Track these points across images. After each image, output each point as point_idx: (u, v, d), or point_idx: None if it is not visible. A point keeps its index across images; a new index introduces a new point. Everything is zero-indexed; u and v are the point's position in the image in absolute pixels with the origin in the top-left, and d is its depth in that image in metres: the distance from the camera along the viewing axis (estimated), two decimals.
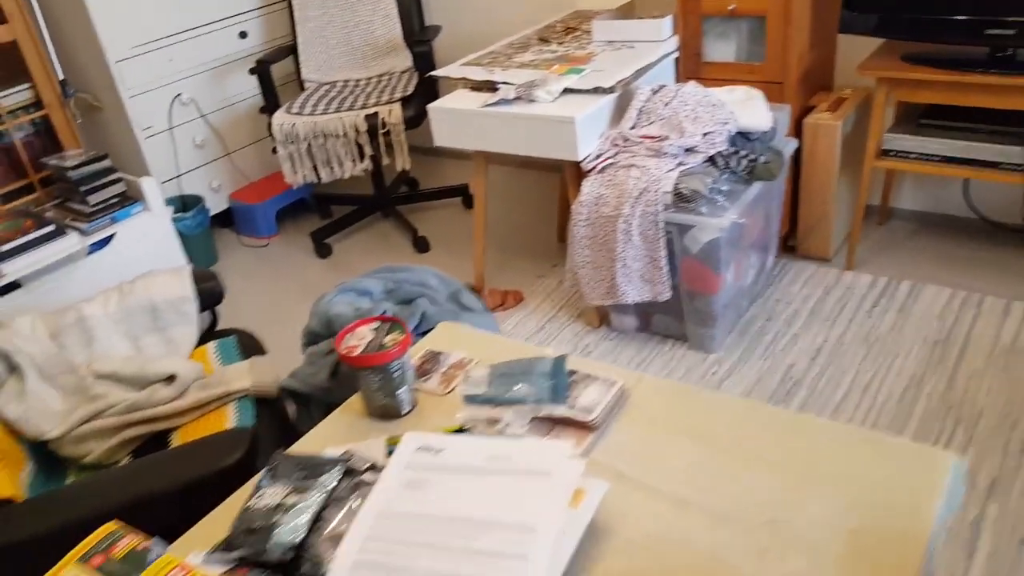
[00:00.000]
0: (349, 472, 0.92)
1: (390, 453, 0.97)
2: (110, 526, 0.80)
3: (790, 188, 2.37)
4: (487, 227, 2.80)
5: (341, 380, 1.48)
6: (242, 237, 3.07)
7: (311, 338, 1.55)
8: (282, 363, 1.66)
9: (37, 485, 1.40)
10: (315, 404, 1.52)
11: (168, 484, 1.16)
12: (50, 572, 0.76)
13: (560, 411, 0.97)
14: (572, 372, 1.03)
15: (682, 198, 1.85)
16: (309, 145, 2.60)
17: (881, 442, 0.89)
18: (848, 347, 2.12)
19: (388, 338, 1.01)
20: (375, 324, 1.05)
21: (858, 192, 2.34)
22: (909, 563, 0.74)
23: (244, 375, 1.51)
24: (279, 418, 1.53)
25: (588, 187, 1.95)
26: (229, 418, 1.46)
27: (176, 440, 1.46)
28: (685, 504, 0.86)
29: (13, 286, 2.24)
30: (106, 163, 2.41)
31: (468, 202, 3.06)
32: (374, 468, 0.93)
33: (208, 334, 1.72)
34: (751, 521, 0.82)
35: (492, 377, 1.03)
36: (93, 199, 2.39)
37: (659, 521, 0.84)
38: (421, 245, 2.74)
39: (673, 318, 2.15)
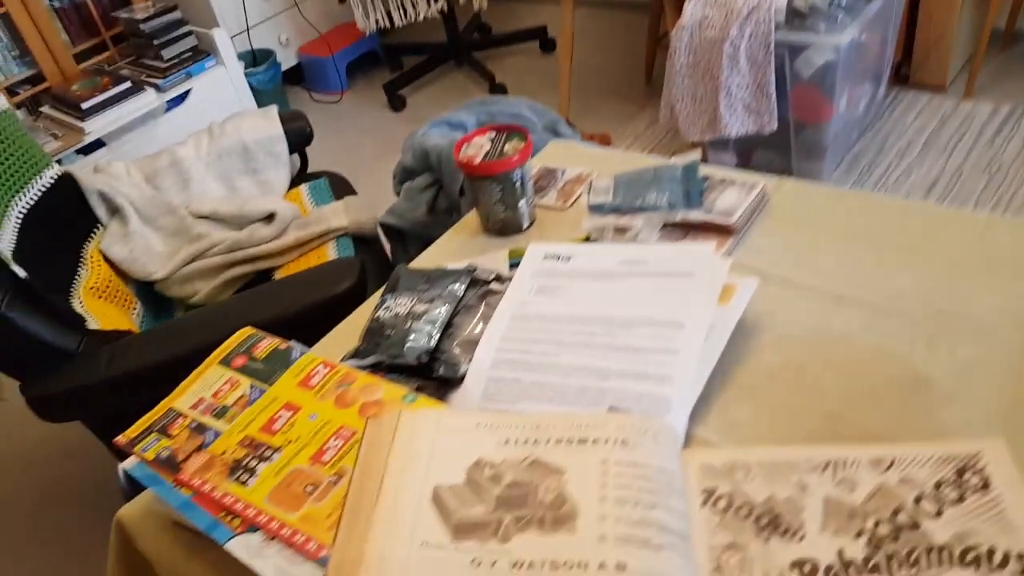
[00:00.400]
0: (475, 282, 0.88)
1: (512, 267, 0.93)
2: (247, 331, 0.79)
3: (907, 8, 2.13)
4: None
5: (438, 215, 1.43)
6: (313, 93, 3.00)
7: (405, 175, 1.50)
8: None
9: (148, 325, 1.43)
10: (412, 240, 1.49)
11: (282, 311, 1.15)
12: (192, 375, 0.75)
13: (696, 215, 0.90)
14: (705, 177, 0.95)
15: (797, 15, 1.67)
16: None
17: None
18: (967, 178, 1.97)
19: (508, 146, 0.94)
20: (491, 134, 0.97)
21: (985, 10, 2.09)
22: None
23: (341, 214, 1.48)
24: (378, 255, 1.51)
25: (691, 8, 1.78)
26: (329, 255, 1.45)
27: (279, 279, 1.46)
28: (840, 300, 0.79)
29: (97, 145, 2.25)
30: (176, 14, 2.33)
31: (546, 45, 2.88)
32: (500, 279, 0.89)
33: (299, 176, 1.69)
34: (916, 314, 0.75)
35: (617, 186, 0.96)
36: (167, 54, 2.34)
37: (814, 316, 0.78)
38: (499, 92, 2.62)
39: (777, 152, 2.01)
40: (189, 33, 2.35)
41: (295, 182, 1.65)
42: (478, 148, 0.95)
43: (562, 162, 1.09)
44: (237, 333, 0.78)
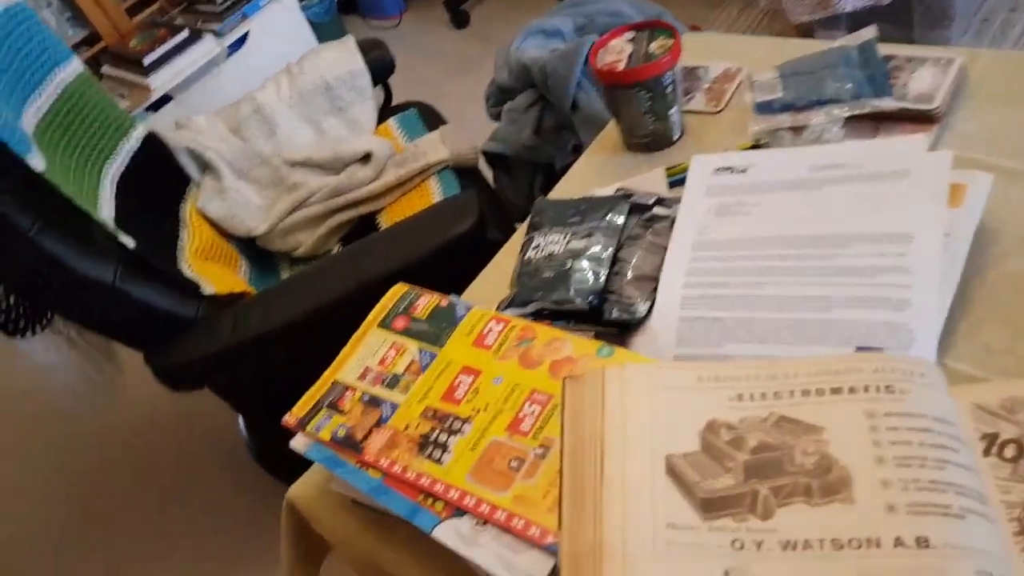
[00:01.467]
0: (634, 208, 0.78)
1: (673, 186, 0.82)
2: (400, 288, 0.71)
3: None
4: None
5: (546, 135, 1.31)
6: (369, 20, 2.85)
7: (501, 95, 1.38)
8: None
9: (254, 282, 1.38)
10: (518, 167, 1.38)
11: (405, 258, 1.07)
12: (351, 341, 0.68)
13: (889, 103, 0.76)
14: (889, 57, 0.81)
15: None
16: None
17: None
18: None
19: (654, 45, 0.82)
20: (630, 34, 0.85)
21: None
22: None
23: (438, 146, 1.38)
24: (484, 186, 1.41)
25: None
26: (433, 192, 1.36)
27: (384, 222, 1.38)
28: None
29: (164, 101, 2.19)
30: None
31: None
32: (663, 202, 0.78)
33: (385, 110, 1.59)
34: None
35: (785, 78, 0.82)
36: None
37: None
38: None
39: (895, 25, 1.79)
40: None
41: (382, 116, 1.55)
42: (618, 52, 0.83)
43: (702, 59, 0.96)
44: (390, 291, 0.71)
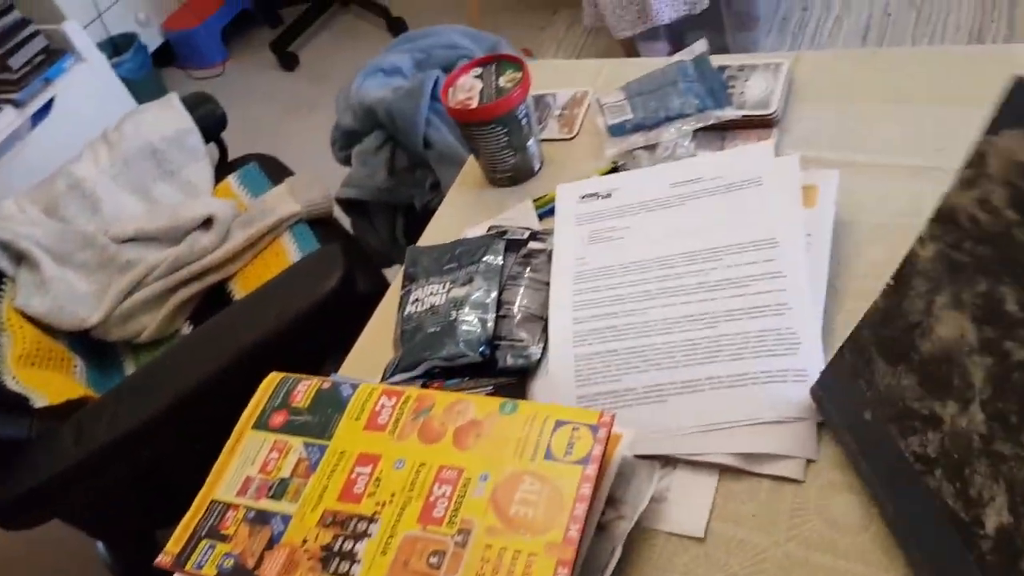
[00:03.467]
0: (510, 245, 0.76)
1: (542, 217, 0.81)
2: (273, 378, 0.64)
3: None
4: None
5: (401, 176, 1.28)
6: (191, 72, 2.69)
7: (348, 138, 1.33)
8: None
9: (94, 383, 1.24)
10: (377, 211, 1.33)
11: (271, 328, 0.99)
12: (224, 450, 0.61)
13: (731, 112, 0.79)
14: (722, 67, 0.84)
15: None
16: None
17: None
18: (897, 17, 1.93)
19: (503, 79, 0.80)
20: (476, 70, 0.83)
21: None
22: None
23: (287, 199, 1.31)
24: (342, 236, 1.35)
25: None
26: (289, 249, 1.28)
27: (238, 290, 1.28)
28: (919, 170, 0.70)
29: None
30: (15, 15, 2.00)
31: None
32: (537, 236, 0.77)
33: (222, 167, 1.49)
34: None
35: (631, 99, 0.83)
36: (15, 62, 2.02)
37: (902, 194, 0.69)
38: (398, 27, 2.40)
39: (709, 31, 1.91)
40: (36, 33, 2.03)
41: (220, 175, 1.45)
42: (468, 90, 0.81)
43: (549, 86, 0.96)
44: (263, 384, 0.64)
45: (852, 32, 1.95)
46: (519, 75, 0.80)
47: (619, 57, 1.99)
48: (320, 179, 1.35)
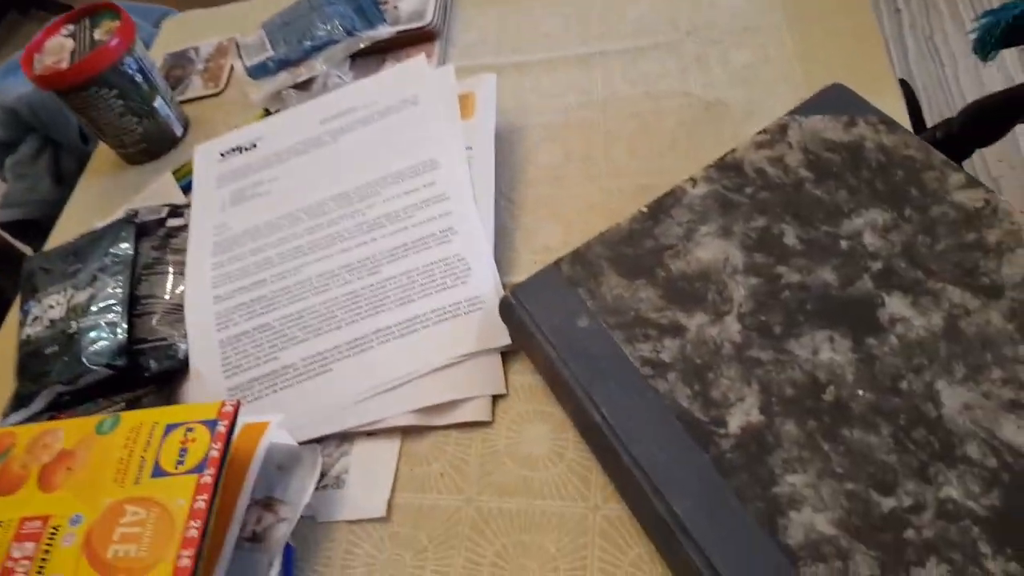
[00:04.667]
0: (144, 230, 0.62)
1: (187, 190, 0.67)
2: None
3: None
4: None
5: (69, 180, 1.07)
6: None
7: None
8: None
9: None
10: (48, 225, 1.12)
11: None
12: None
13: (385, 30, 0.69)
14: None
15: None
16: None
17: None
18: None
19: (99, 32, 0.65)
20: (67, 27, 0.67)
21: None
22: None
23: None
24: (9, 265, 1.12)
25: None
26: None
27: None
28: (586, 60, 0.65)
29: None
30: None
31: None
32: (177, 211, 0.63)
33: None
34: (670, 42, 0.64)
35: (272, 34, 0.72)
36: None
37: (569, 89, 0.64)
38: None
39: None
40: None
41: None
42: (59, 51, 0.65)
43: (189, 40, 0.81)
44: None
45: None
46: (116, 23, 0.65)
47: None
48: None
